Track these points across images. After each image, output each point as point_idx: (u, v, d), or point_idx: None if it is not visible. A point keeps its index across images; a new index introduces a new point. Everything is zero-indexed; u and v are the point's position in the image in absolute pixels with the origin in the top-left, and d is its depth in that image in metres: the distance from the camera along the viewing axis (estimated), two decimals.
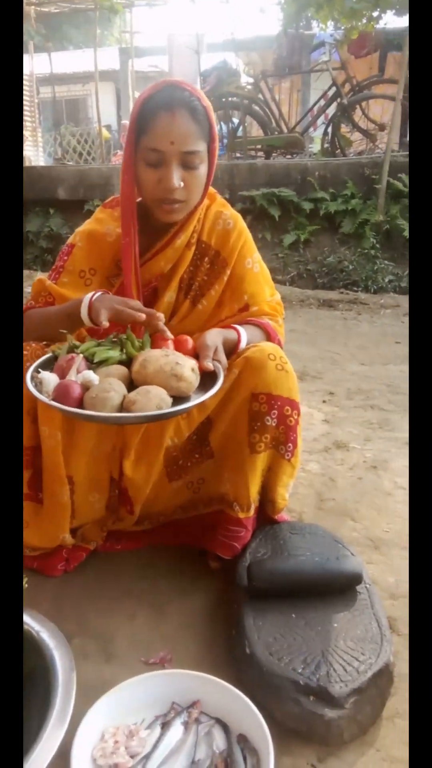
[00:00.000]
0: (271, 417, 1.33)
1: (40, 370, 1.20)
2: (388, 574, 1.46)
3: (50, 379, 1.17)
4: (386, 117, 6.79)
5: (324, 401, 2.67)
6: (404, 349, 3.49)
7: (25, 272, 6.13)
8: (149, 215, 1.41)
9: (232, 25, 11.68)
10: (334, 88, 6.70)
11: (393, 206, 5.49)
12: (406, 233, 5.26)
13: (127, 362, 1.25)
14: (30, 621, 1.15)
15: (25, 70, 9.95)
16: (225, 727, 1.03)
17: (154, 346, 1.29)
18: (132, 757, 0.98)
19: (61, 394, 1.13)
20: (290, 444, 1.37)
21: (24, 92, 9.96)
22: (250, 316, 1.49)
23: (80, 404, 1.13)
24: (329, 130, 6.91)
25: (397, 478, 1.93)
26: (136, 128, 1.31)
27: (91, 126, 12.11)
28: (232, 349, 1.38)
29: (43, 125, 11.68)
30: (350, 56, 7.05)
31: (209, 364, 1.24)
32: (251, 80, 7.36)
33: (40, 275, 5.37)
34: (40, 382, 1.16)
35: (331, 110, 7.05)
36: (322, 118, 7.44)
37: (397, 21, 6.53)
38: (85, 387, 1.15)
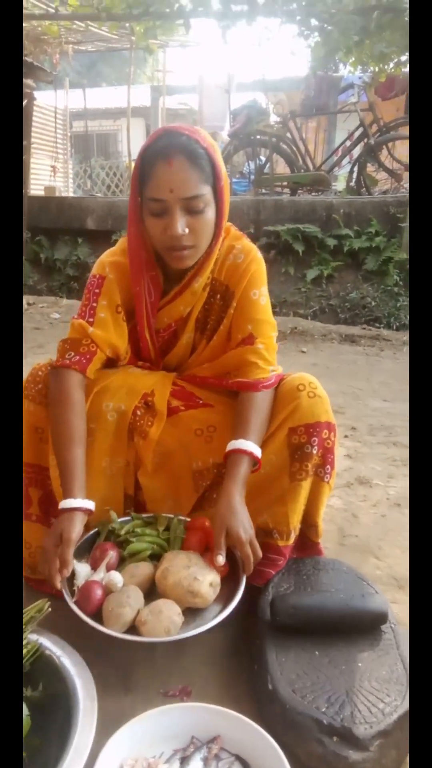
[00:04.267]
0: (311, 444, 1.34)
1: (74, 561, 1.24)
2: None
3: (83, 572, 1.25)
4: None
5: (346, 436, 2.66)
6: None
7: (51, 299, 6.24)
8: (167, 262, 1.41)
9: (263, 67, 11.98)
10: (361, 129, 6.82)
11: None
12: None
13: (160, 552, 1.32)
14: (51, 646, 1.14)
15: (60, 105, 10.30)
16: (245, 765, 1.00)
17: (188, 536, 1.34)
18: None
19: (83, 597, 1.19)
20: (328, 466, 1.37)
21: (58, 126, 10.29)
22: (254, 355, 1.41)
23: (100, 608, 1.19)
24: (355, 169, 7.02)
25: None
26: (139, 180, 1.30)
27: (121, 160, 12.43)
28: (255, 465, 1.33)
29: (74, 158, 12.01)
30: (378, 98, 7.19)
31: (219, 560, 1.22)
32: (280, 119, 7.52)
33: (66, 301, 5.41)
34: (74, 575, 1.24)
35: (357, 150, 7.16)
36: (347, 158, 7.56)
37: None
38: (108, 590, 1.21)
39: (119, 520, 1.40)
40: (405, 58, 6.20)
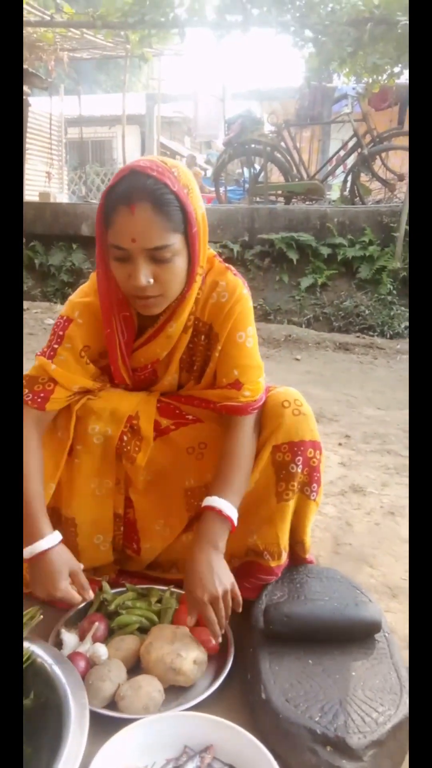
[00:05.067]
0: (296, 464, 1.32)
1: (62, 631, 1.26)
2: (406, 624, 1.43)
3: (70, 642, 1.24)
4: (405, 168, 6.93)
5: (340, 444, 2.66)
6: None
7: (46, 304, 6.24)
8: None
9: (257, 76, 12.10)
10: (354, 139, 6.88)
11: None
12: None
13: (149, 626, 1.30)
14: (43, 654, 1.13)
15: (55, 112, 10.35)
16: None
17: (179, 609, 1.32)
18: None
19: None
20: (315, 484, 1.36)
21: (53, 132, 10.33)
22: (236, 400, 1.34)
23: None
24: (349, 178, 7.07)
25: None
26: (103, 223, 1.18)
27: (116, 166, 12.47)
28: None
29: (69, 164, 12.05)
30: (371, 109, 7.24)
31: (190, 621, 1.19)
32: (274, 128, 7.58)
33: (60, 307, 5.40)
34: (61, 643, 1.24)
35: (351, 160, 7.22)
36: (341, 167, 7.62)
37: None
38: (92, 662, 1.20)
39: (112, 591, 1.39)
40: (398, 69, 6.26)
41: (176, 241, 1.16)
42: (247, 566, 1.40)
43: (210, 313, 1.34)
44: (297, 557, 1.45)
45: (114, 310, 1.31)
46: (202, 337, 1.37)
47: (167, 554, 1.47)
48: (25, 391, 1.32)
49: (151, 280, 1.17)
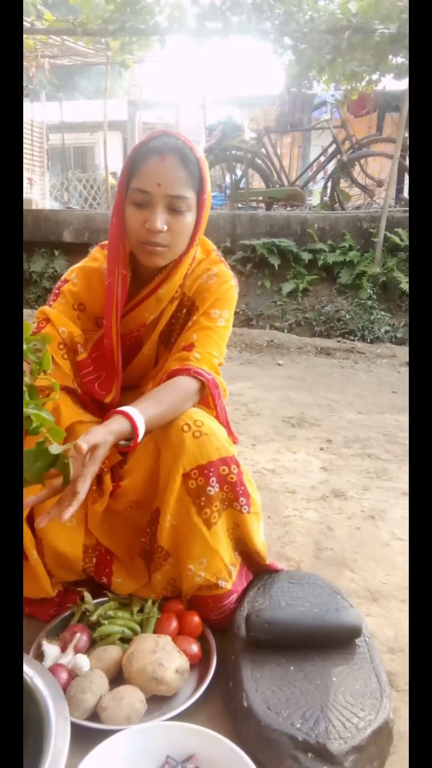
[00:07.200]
0: (211, 486, 1.28)
1: (44, 642, 1.27)
2: (386, 628, 1.44)
3: (51, 653, 1.24)
4: (384, 174, 7.01)
5: (321, 448, 2.67)
6: (400, 399, 3.52)
7: (28, 311, 6.19)
8: (137, 264, 1.42)
9: (238, 83, 12.18)
10: (334, 145, 6.95)
11: (389, 259, 5.61)
12: (402, 285, 5.37)
13: (131, 636, 1.30)
14: (24, 666, 1.12)
15: (36, 118, 10.31)
16: None
17: (161, 618, 1.32)
18: None
19: None
20: (242, 498, 1.32)
21: (34, 138, 10.29)
22: (187, 361, 1.37)
23: (65, 691, 1.15)
24: (329, 184, 7.13)
25: (395, 528, 1.93)
26: (129, 171, 1.32)
27: (98, 173, 12.46)
28: (130, 435, 1.24)
29: (51, 170, 12.01)
30: (350, 115, 7.33)
31: (81, 444, 1.11)
32: (255, 135, 7.62)
33: None
34: (43, 654, 1.24)
35: (331, 166, 7.29)
36: (321, 173, 7.69)
37: (395, 84, 6.81)
38: (74, 673, 1.20)
39: (94, 601, 1.38)
40: (376, 76, 6.33)
41: (191, 196, 1.31)
42: (204, 600, 1.36)
43: (196, 290, 1.46)
44: (258, 566, 1.43)
45: (119, 261, 1.39)
46: (184, 310, 1.48)
47: (139, 593, 1.43)
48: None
49: (166, 227, 1.30)
